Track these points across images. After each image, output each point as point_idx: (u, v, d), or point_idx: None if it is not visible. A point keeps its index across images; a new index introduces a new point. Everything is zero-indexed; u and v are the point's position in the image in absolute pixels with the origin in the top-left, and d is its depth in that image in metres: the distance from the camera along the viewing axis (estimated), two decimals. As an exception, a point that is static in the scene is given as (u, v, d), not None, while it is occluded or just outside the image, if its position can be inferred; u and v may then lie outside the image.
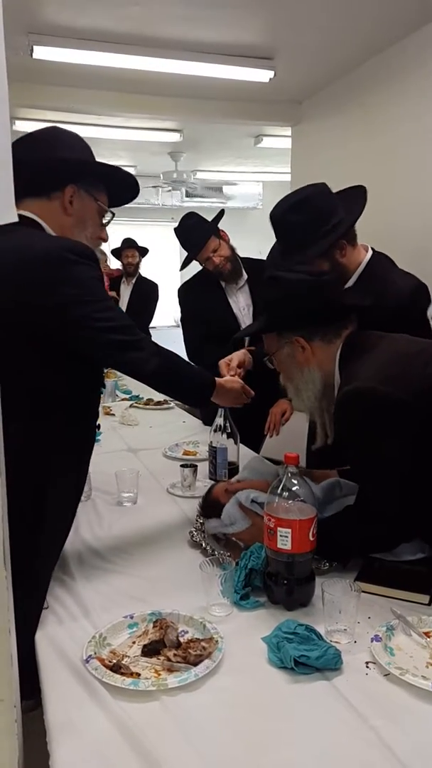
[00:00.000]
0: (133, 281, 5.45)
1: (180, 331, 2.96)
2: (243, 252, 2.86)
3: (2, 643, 0.90)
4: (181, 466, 1.99)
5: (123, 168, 1.54)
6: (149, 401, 3.27)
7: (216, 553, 1.46)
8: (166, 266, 7.17)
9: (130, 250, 5.39)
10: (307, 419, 1.69)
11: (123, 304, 5.40)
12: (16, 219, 0.88)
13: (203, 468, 2.08)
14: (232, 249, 2.77)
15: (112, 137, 4.83)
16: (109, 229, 1.54)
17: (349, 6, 2.83)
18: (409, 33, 3.15)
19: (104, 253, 5.55)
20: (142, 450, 2.46)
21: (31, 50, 3.16)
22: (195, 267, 2.84)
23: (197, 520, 1.65)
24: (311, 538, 1.24)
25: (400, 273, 1.90)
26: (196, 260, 2.75)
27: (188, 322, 2.92)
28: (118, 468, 1.93)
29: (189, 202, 7.54)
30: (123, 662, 1.08)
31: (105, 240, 1.53)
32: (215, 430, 2.01)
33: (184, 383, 1.56)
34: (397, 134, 3.37)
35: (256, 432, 2.53)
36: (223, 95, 4.09)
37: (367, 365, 1.38)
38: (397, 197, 3.35)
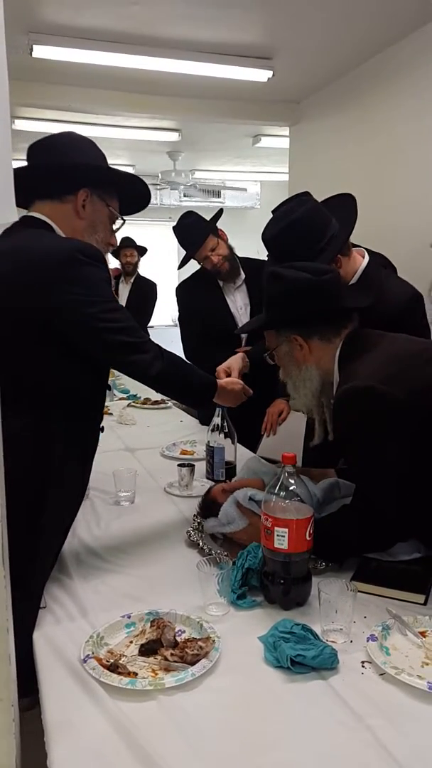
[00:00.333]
0: (132, 280, 5.43)
1: (178, 330, 2.97)
2: (241, 252, 2.87)
3: (0, 642, 0.90)
4: (179, 465, 1.99)
5: (136, 175, 1.56)
6: (147, 400, 3.27)
7: (213, 552, 1.46)
8: (165, 265, 7.17)
9: (129, 249, 5.38)
10: (304, 418, 1.69)
11: (121, 304, 5.38)
12: (16, 219, 0.88)
13: (200, 467, 2.08)
14: (231, 248, 2.77)
15: (110, 136, 4.84)
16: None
17: (347, 6, 2.83)
18: (408, 33, 3.15)
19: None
20: (140, 449, 2.46)
21: (31, 49, 3.16)
22: (193, 266, 2.84)
23: (194, 520, 1.65)
24: (308, 538, 1.25)
25: (396, 282, 1.90)
26: (195, 259, 2.75)
27: (186, 321, 2.92)
28: (115, 467, 1.93)
29: (187, 202, 7.53)
30: (120, 662, 1.08)
31: (114, 245, 1.54)
32: (212, 430, 2.01)
33: (187, 386, 1.57)
34: (396, 134, 3.37)
35: (254, 432, 2.54)
36: (221, 95, 4.10)
37: (367, 364, 1.38)
38: (395, 197, 3.36)
